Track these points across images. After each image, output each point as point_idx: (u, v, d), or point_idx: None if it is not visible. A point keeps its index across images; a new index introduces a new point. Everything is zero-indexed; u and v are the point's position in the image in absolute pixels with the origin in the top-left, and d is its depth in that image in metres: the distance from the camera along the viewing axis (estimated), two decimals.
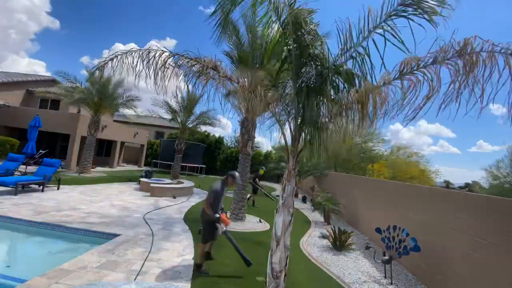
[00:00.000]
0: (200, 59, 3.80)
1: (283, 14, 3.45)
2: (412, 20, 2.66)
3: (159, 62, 3.67)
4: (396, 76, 2.84)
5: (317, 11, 3.44)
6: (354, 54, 3.22)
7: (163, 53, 3.74)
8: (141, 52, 3.69)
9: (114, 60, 3.76)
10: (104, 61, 3.82)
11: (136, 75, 3.64)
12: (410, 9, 2.71)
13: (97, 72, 4.09)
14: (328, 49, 3.50)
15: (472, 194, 4.53)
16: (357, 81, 3.26)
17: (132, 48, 3.75)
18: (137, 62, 3.65)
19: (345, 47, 3.34)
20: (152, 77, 3.63)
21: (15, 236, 5.31)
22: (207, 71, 3.75)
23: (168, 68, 3.72)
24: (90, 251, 4.29)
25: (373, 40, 2.98)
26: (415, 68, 2.73)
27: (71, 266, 3.67)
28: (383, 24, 2.88)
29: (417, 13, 2.64)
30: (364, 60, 3.07)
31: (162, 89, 3.72)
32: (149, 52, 3.69)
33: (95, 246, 4.57)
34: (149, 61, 3.63)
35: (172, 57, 3.82)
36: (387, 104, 3.00)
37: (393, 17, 2.85)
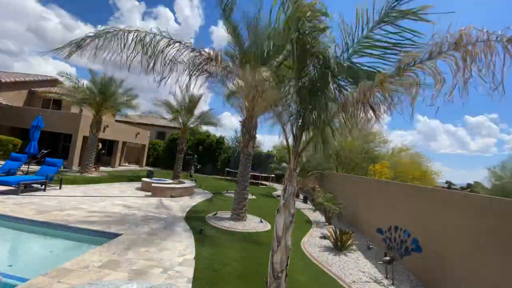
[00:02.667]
0: (203, 50, 3.51)
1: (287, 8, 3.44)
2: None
3: (157, 48, 3.17)
4: (394, 74, 2.73)
5: (319, 6, 3.42)
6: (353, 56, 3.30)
7: (162, 38, 3.21)
8: (136, 34, 3.10)
9: (102, 38, 3.08)
10: (85, 37, 3.02)
11: (128, 59, 3.07)
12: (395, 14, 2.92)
13: (70, 49, 3.11)
14: (333, 46, 3.50)
15: (473, 195, 4.51)
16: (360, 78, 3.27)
17: (126, 27, 3.09)
18: (132, 45, 3.08)
19: (346, 47, 3.38)
20: (151, 65, 3.14)
21: (18, 235, 5.33)
22: (210, 63, 3.46)
23: (166, 55, 3.25)
24: (91, 250, 4.31)
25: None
26: (411, 65, 2.64)
27: (73, 265, 3.70)
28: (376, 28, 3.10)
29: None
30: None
31: (160, 81, 3.29)
32: (146, 35, 3.13)
33: (97, 245, 4.59)
34: (144, 45, 3.10)
35: (172, 45, 3.31)
36: (388, 101, 2.94)
37: (382, 24, 3.08)
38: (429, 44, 2.55)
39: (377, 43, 3.20)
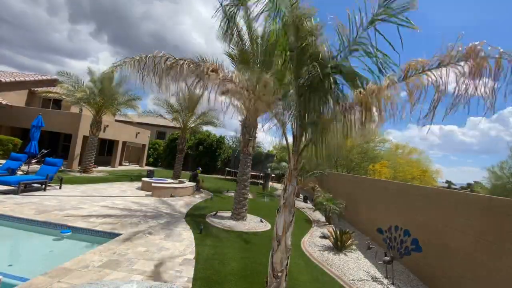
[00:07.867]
0: (201, 63, 3.91)
1: (283, 13, 3.46)
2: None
3: (164, 66, 3.85)
4: (401, 79, 2.80)
5: (318, 10, 3.43)
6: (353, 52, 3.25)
7: (167, 58, 4.00)
8: (148, 57, 3.95)
9: (126, 64, 4.01)
10: (117, 64, 4.09)
11: (142, 79, 3.86)
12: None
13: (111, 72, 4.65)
14: (329, 48, 3.49)
15: (473, 195, 4.51)
16: (359, 82, 3.27)
17: (141, 55, 3.99)
18: (144, 67, 3.86)
19: (343, 46, 3.36)
20: (157, 80, 3.85)
21: (18, 235, 5.34)
22: (208, 73, 3.81)
23: (171, 70, 3.86)
24: (91, 250, 4.31)
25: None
26: (420, 71, 2.71)
27: (73, 265, 3.70)
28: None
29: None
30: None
31: (166, 90, 3.89)
32: (155, 57, 3.94)
33: (97, 245, 4.59)
34: (155, 65, 3.84)
35: (176, 62, 3.97)
36: (392, 106, 2.91)
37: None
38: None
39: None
